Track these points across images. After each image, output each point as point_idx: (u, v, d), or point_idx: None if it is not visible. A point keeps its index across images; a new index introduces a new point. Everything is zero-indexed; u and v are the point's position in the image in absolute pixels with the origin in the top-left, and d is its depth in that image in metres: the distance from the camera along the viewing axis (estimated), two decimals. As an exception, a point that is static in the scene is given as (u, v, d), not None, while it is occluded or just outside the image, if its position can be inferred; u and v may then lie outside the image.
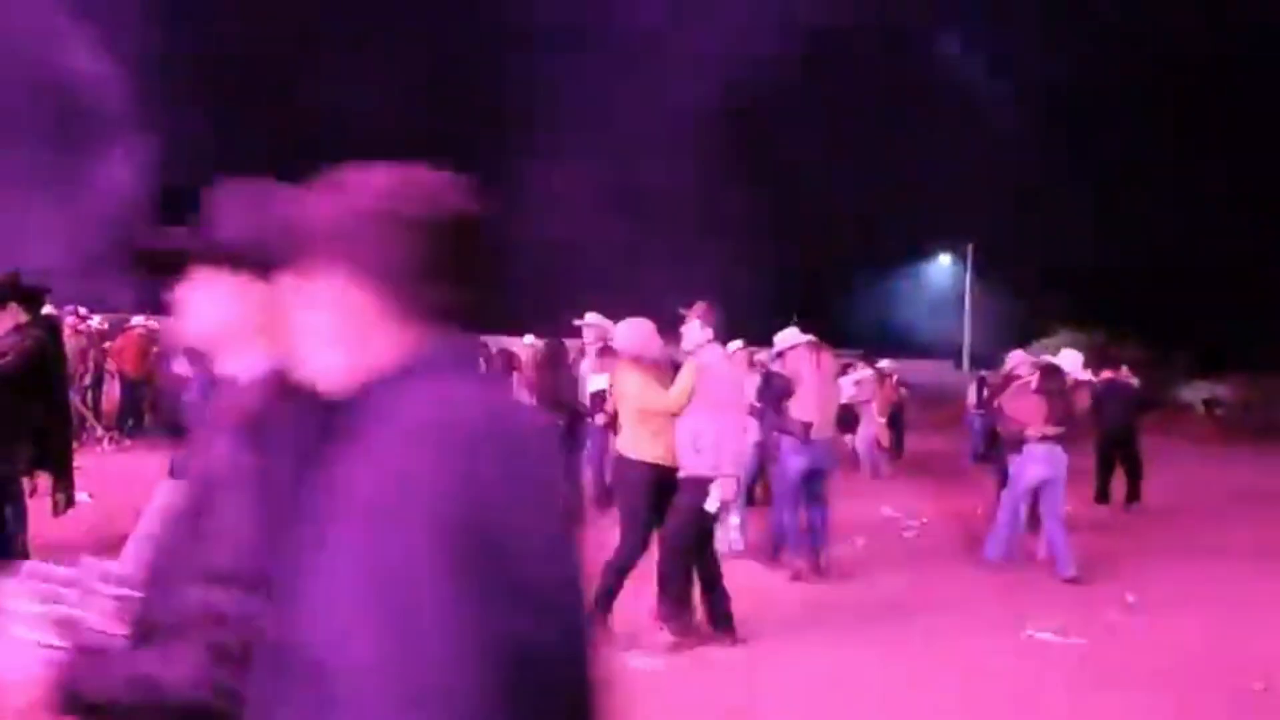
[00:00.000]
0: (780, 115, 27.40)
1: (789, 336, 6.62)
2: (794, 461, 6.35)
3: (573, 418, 7.82)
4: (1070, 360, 7.36)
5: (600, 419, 7.76)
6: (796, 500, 6.42)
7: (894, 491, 10.45)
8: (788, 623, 5.24)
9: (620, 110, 24.40)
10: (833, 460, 6.68)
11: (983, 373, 15.90)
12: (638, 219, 26.05)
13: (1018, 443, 6.93)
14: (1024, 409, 6.91)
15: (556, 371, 8.05)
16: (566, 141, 23.44)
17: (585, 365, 8.14)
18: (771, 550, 6.68)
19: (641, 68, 24.19)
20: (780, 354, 6.59)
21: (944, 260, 31.88)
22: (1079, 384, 7.49)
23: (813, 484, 6.46)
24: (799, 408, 6.26)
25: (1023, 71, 29.79)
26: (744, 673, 4.45)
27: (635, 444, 4.84)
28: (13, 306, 4.64)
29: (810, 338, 6.53)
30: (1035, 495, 6.99)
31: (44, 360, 4.67)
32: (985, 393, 12.63)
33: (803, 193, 30.74)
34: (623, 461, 4.96)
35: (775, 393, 6.39)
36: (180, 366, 9.65)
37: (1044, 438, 6.74)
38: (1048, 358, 7.40)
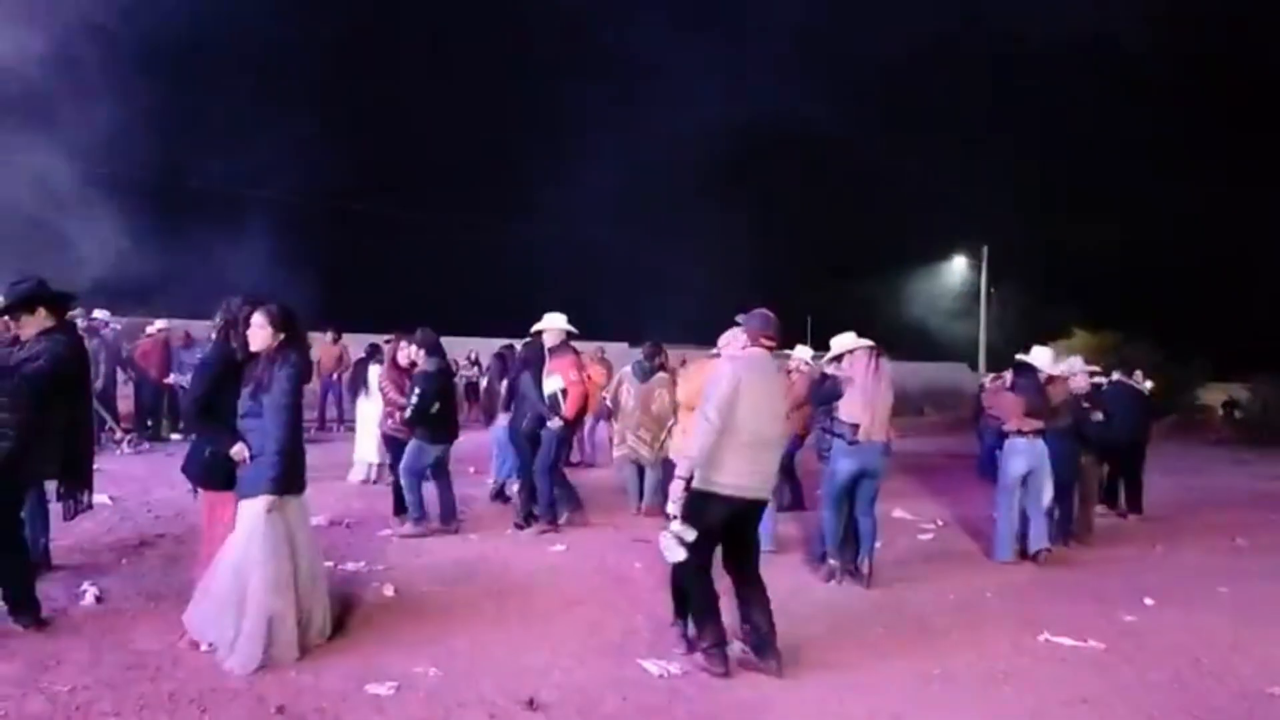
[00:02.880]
0: (797, 120, 27.34)
1: (848, 340, 6.43)
2: (842, 464, 6.26)
3: (536, 422, 7.70)
4: (1041, 357, 7.59)
5: (555, 423, 7.54)
6: (840, 503, 6.36)
7: (905, 494, 10.39)
8: (801, 625, 5.22)
9: (642, 120, 24.54)
10: (884, 463, 6.43)
11: (985, 377, 15.78)
12: (654, 225, 26.10)
13: (1000, 437, 7.42)
14: (1002, 405, 7.48)
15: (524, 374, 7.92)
16: (588, 150, 23.64)
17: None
18: (811, 552, 6.64)
19: (671, 76, 24.32)
20: (838, 357, 6.43)
21: (959, 262, 31.68)
22: (1053, 379, 7.68)
23: (861, 487, 6.35)
24: (848, 409, 6.19)
25: (1038, 72, 29.60)
26: (758, 675, 4.44)
27: (674, 444, 4.85)
28: (40, 311, 4.68)
29: (869, 342, 6.38)
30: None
31: (73, 365, 4.72)
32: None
33: (816, 197, 30.69)
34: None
35: (824, 395, 6.32)
36: (180, 372, 9.80)
37: (1021, 431, 7.16)
38: (1021, 356, 7.65)
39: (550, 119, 26.60)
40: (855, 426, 6.16)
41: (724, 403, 4.32)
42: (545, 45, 27.22)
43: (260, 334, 4.53)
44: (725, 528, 4.49)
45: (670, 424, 8.59)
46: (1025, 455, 7.12)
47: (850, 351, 6.36)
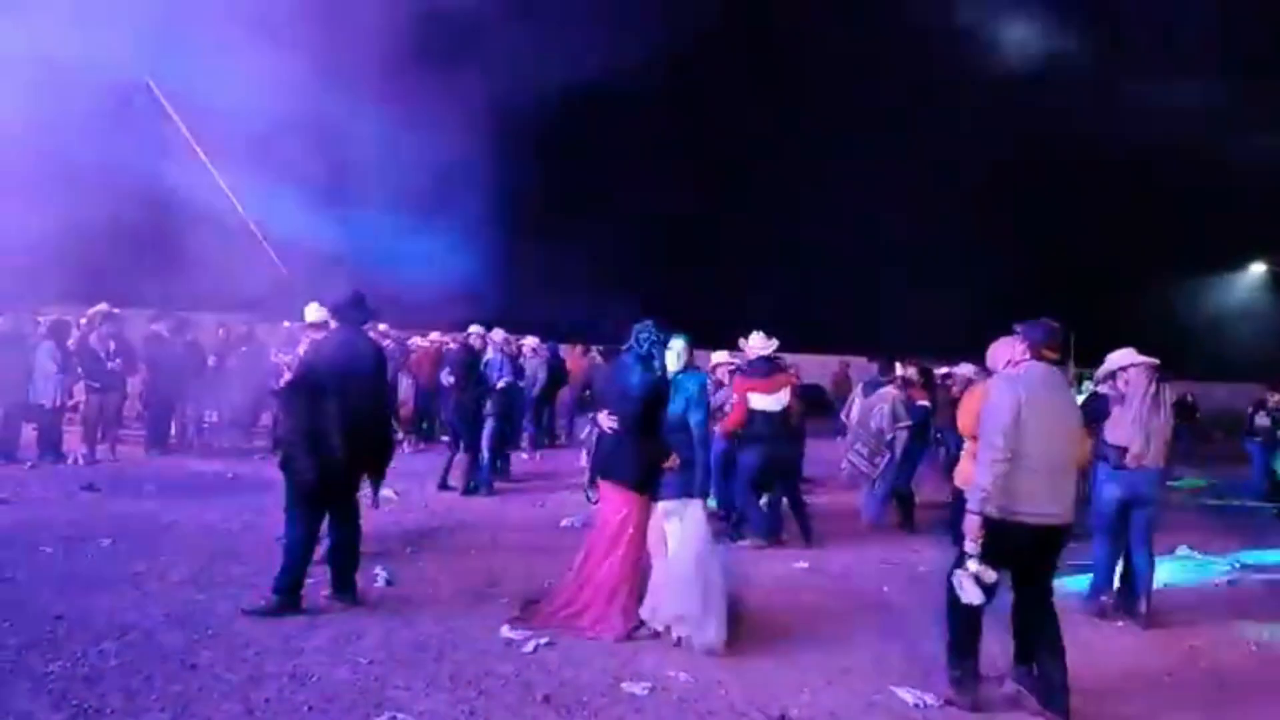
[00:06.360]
0: (1067, 120, 25.29)
1: (1124, 356, 5.90)
2: (1107, 489, 5.80)
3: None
4: None
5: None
6: (1109, 531, 5.88)
7: (1193, 529, 9.19)
8: (1074, 666, 4.81)
9: (932, 122, 23.92)
10: (1157, 492, 5.87)
11: (1265, 394, 13.63)
12: (933, 230, 25.26)
13: None
14: None
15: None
16: (877, 153, 23.40)
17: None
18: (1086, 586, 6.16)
19: (955, 77, 23.57)
20: (1112, 374, 5.91)
21: (1257, 269, 27.84)
22: None
23: (1133, 518, 5.84)
24: (1116, 431, 5.70)
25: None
26: (1026, 717, 4.15)
27: (961, 471, 4.68)
28: (330, 322, 5.37)
29: (1150, 360, 5.81)
30: None
31: (318, 367, 5.19)
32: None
33: (1099, 194, 28.26)
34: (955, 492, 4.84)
35: (1091, 414, 5.73)
36: (446, 377, 10.70)
37: None
38: None
39: (806, 136, 26.30)
40: (1123, 450, 5.67)
41: (1008, 428, 4.01)
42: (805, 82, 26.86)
43: (678, 358, 5.28)
44: (1023, 558, 4.16)
45: (889, 439, 8.37)
46: None
47: (1123, 369, 5.82)
